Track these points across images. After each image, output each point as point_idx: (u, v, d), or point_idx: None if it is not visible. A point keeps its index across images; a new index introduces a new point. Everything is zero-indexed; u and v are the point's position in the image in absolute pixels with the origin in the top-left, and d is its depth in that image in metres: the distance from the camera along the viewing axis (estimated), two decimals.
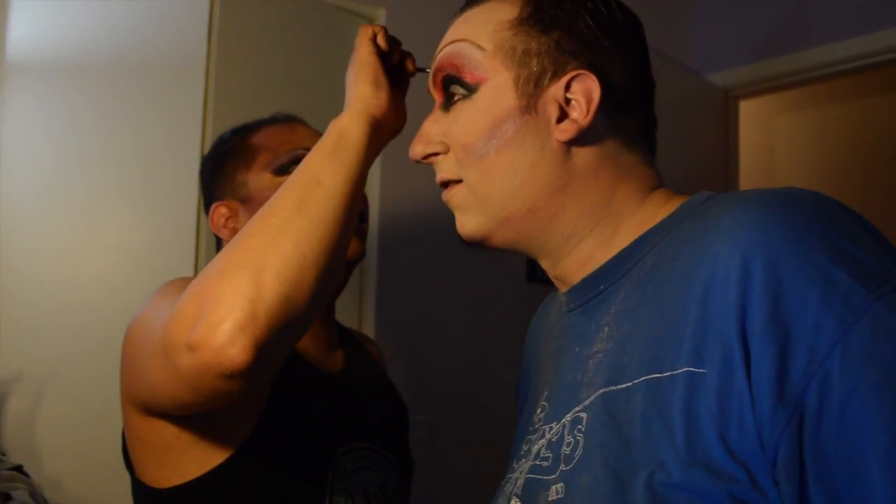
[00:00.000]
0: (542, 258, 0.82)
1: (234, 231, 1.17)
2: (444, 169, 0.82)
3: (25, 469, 1.24)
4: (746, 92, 3.04)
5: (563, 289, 0.84)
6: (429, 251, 2.27)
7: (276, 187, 0.97)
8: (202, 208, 1.80)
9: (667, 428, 0.62)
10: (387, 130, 0.91)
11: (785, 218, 0.62)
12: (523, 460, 0.81)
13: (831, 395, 0.57)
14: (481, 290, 2.39)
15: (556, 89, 0.76)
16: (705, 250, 0.65)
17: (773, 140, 4.05)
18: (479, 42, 0.78)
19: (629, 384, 0.67)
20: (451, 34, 0.82)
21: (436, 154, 0.82)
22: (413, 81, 0.98)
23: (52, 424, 1.62)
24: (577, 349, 0.79)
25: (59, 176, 1.70)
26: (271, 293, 0.74)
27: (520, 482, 0.78)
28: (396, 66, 0.95)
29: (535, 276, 2.47)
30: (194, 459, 1.00)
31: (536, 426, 0.82)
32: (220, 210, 1.20)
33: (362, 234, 1.20)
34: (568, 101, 0.76)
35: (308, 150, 0.98)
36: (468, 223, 0.81)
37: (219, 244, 1.23)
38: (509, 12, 0.78)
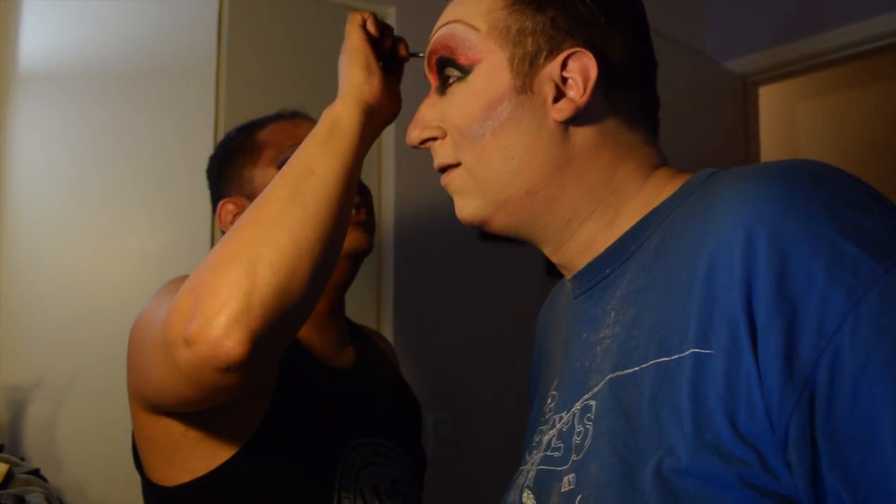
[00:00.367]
0: (544, 244, 0.81)
1: None
2: (442, 154, 0.80)
3: (43, 473, 1.24)
4: (765, 78, 2.99)
5: (567, 275, 0.82)
6: (446, 246, 2.26)
7: None
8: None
9: (675, 412, 0.60)
10: (381, 117, 0.90)
11: (788, 189, 0.60)
12: (535, 452, 0.79)
13: (842, 371, 0.55)
14: (500, 285, 2.38)
15: (551, 68, 0.74)
16: (708, 227, 0.64)
17: (793, 126, 4.00)
18: (473, 23, 0.77)
19: (636, 368, 0.66)
20: (445, 16, 0.81)
21: (433, 139, 0.81)
22: (410, 69, 0.97)
23: (72, 430, 1.63)
24: (584, 335, 0.78)
25: (74, 184, 1.71)
26: (266, 284, 0.74)
27: (532, 474, 0.77)
28: (389, 53, 0.94)
29: (554, 270, 2.44)
30: (202, 456, 0.99)
31: (547, 416, 0.81)
32: (227, 207, 1.20)
33: (370, 227, 1.19)
34: (564, 80, 0.74)
35: None
36: (466, 207, 0.80)
37: None
38: None
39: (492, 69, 0.75)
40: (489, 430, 2.30)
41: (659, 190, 0.76)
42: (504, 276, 2.38)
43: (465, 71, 0.77)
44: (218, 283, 0.74)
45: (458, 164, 0.79)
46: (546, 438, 0.77)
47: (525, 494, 0.76)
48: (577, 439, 0.70)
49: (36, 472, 1.21)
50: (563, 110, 0.73)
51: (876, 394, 0.54)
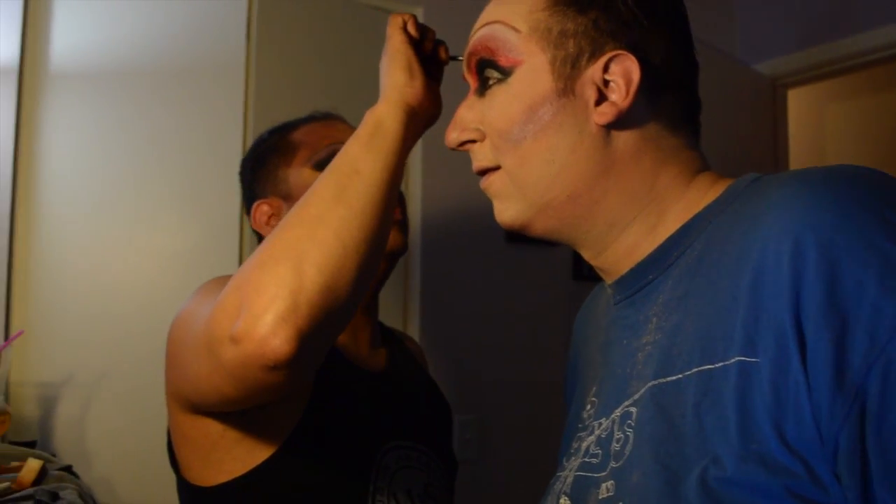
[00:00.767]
0: (584, 248, 0.80)
1: None
2: (481, 157, 0.80)
3: (75, 469, 1.25)
4: (794, 80, 2.97)
5: (608, 280, 0.81)
6: (473, 248, 2.26)
7: None
8: (244, 211, 1.82)
9: (720, 421, 0.60)
10: (422, 118, 0.90)
11: (837, 196, 0.59)
12: (573, 458, 0.79)
13: (895, 382, 0.54)
14: (527, 287, 2.37)
15: (593, 71, 0.73)
16: (755, 234, 0.63)
17: (822, 129, 3.96)
18: (514, 24, 0.76)
19: (680, 376, 0.65)
20: (484, 16, 0.80)
21: (472, 142, 0.80)
22: (447, 70, 0.96)
23: (102, 427, 1.65)
24: (625, 342, 0.77)
25: (104, 183, 1.73)
26: (312, 283, 0.74)
27: (569, 480, 0.76)
28: (430, 55, 0.94)
29: (581, 273, 2.45)
30: (238, 457, 1.00)
31: (586, 422, 0.80)
32: (262, 208, 1.20)
33: (405, 228, 1.19)
34: (606, 82, 0.73)
35: None
36: (506, 211, 0.79)
37: (260, 242, 1.23)
38: None
39: (533, 71, 0.74)
40: (514, 432, 2.29)
41: (702, 195, 0.75)
42: (530, 278, 2.37)
43: (505, 73, 0.76)
44: (264, 282, 0.74)
45: (497, 168, 0.79)
46: (585, 445, 0.77)
47: (562, 500, 0.76)
48: (616, 446, 0.70)
49: (68, 469, 1.22)
50: (605, 114, 0.73)
51: None
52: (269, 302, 0.73)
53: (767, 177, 0.69)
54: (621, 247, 0.77)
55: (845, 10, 2.73)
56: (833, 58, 2.78)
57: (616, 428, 0.71)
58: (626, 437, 0.69)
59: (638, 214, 0.76)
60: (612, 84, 0.73)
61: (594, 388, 0.82)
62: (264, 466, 1.00)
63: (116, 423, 1.66)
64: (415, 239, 2.16)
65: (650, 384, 0.68)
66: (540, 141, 0.74)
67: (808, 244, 0.58)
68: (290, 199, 1.17)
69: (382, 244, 0.81)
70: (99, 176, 1.72)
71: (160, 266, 1.77)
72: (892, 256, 0.56)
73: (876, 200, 0.59)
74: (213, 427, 0.98)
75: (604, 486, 0.69)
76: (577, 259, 2.42)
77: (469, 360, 2.24)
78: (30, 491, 1.05)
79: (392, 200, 0.82)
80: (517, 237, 2.13)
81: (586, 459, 0.75)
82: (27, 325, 1.60)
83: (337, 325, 0.79)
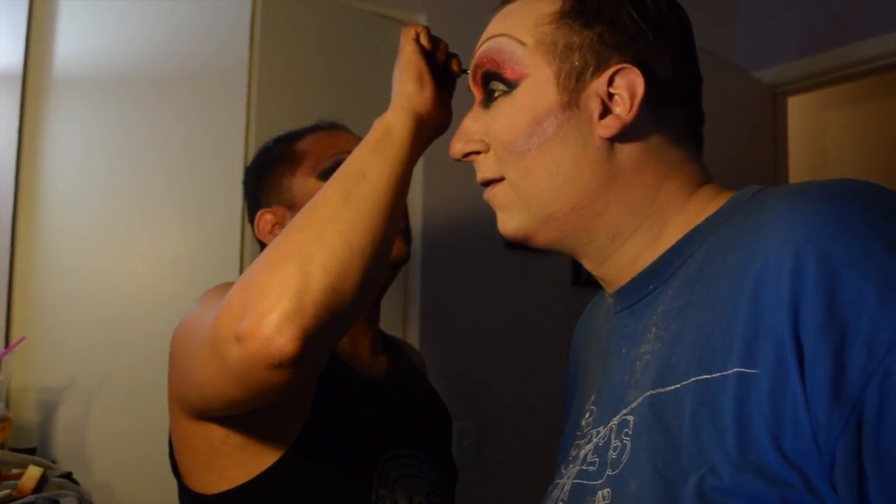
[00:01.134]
0: (586, 259, 0.80)
1: None
2: (485, 168, 0.80)
3: (75, 476, 1.25)
4: (794, 88, 2.97)
5: (609, 290, 0.82)
6: (472, 254, 2.26)
7: None
8: (245, 217, 1.82)
9: (717, 431, 0.60)
10: (431, 127, 0.91)
11: (837, 210, 0.59)
12: (571, 465, 0.79)
13: (892, 395, 0.54)
14: (526, 294, 2.37)
15: (598, 84, 0.74)
16: (755, 246, 0.63)
17: (822, 136, 3.97)
18: (520, 37, 0.77)
19: (677, 386, 0.65)
20: (490, 29, 0.80)
21: (476, 153, 0.81)
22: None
23: (102, 432, 1.65)
24: (623, 350, 0.77)
25: (106, 187, 1.73)
26: (318, 284, 0.74)
27: (567, 487, 0.77)
28: (443, 67, 0.95)
29: (580, 279, 2.45)
30: (241, 464, 1.00)
31: (584, 430, 0.81)
32: (266, 217, 1.20)
33: (408, 236, 1.19)
34: (611, 96, 0.74)
35: None
36: (510, 222, 0.80)
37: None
38: (551, 5, 0.76)
39: (538, 84, 0.75)
40: (512, 438, 2.30)
41: (703, 207, 0.75)
42: (529, 285, 2.38)
43: (511, 85, 0.77)
44: (270, 282, 0.74)
45: (501, 179, 0.79)
46: (583, 453, 0.77)
47: None
48: (612, 454, 0.70)
49: (68, 476, 1.22)
50: (609, 127, 0.73)
51: None
52: (274, 301, 0.73)
53: (769, 189, 0.70)
54: (623, 258, 0.78)
55: (846, 19, 2.74)
56: (833, 66, 2.79)
57: (613, 436, 0.72)
58: (624, 445, 0.69)
59: (640, 226, 0.76)
60: (616, 97, 0.74)
61: (593, 397, 0.83)
62: (267, 474, 1.00)
63: (116, 428, 1.66)
64: (415, 246, 2.16)
65: (648, 393, 0.69)
66: (544, 153, 0.75)
67: (808, 257, 0.58)
68: (294, 208, 1.17)
69: (388, 248, 0.82)
70: (101, 181, 1.72)
71: (161, 272, 1.78)
72: (891, 270, 0.56)
73: (876, 214, 0.59)
74: (216, 434, 0.98)
75: (600, 493, 0.70)
76: (576, 265, 2.43)
77: (468, 366, 2.24)
78: (31, 498, 1.05)
79: (399, 206, 0.83)
80: (516, 244, 2.15)
81: (583, 467, 0.75)
82: (28, 330, 1.60)
83: (341, 326, 0.79)
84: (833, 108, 3.94)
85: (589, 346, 0.92)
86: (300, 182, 1.18)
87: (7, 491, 1.07)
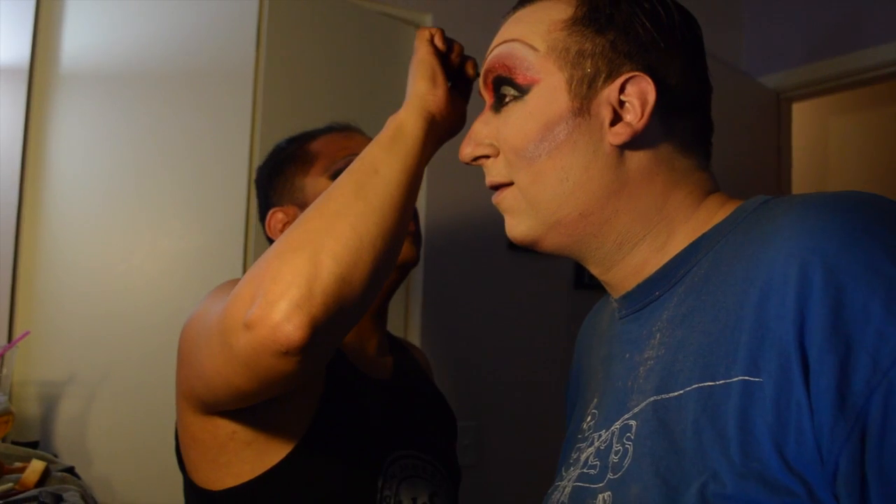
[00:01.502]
0: (593, 264, 0.81)
1: None
2: (494, 172, 0.81)
3: (77, 471, 1.26)
4: (799, 94, 2.98)
5: (614, 295, 0.82)
6: (475, 256, 2.26)
7: None
8: (250, 215, 1.82)
9: (720, 437, 0.61)
10: (443, 127, 0.91)
11: (844, 222, 0.60)
12: (572, 468, 0.80)
13: (895, 407, 0.54)
14: (528, 296, 2.38)
15: (609, 91, 0.74)
16: (762, 256, 0.63)
17: (826, 142, 3.97)
18: (532, 42, 0.77)
19: (681, 392, 0.66)
20: (502, 34, 0.81)
21: (486, 157, 0.81)
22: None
23: (103, 426, 1.65)
24: (627, 355, 0.78)
25: (110, 184, 1.73)
26: (328, 272, 0.75)
27: (567, 490, 0.77)
28: (458, 71, 0.96)
29: (581, 282, 2.46)
30: (247, 461, 1.00)
31: (586, 434, 0.81)
32: (278, 216, 1.21)
33: (418, 240, 1.20)
34: (622, 103, 0.74)
35: None
36: (518, 226, 0.80)
37: None
38: (563, 12, 0.76)
39: (550, 90, 0.75)
40: (513, 438, 2.30)
41: (710, 215, 0.76)
42: (531, 287, 2.38)
43: (522, 91, 0.77)
44: (281, 270, 0.75)
45: (510, 184, 0.80)
46: (584, 456, 0.78)
47: None
48: (614, 458, 0.71)
49: (70, 470, 1.22)
50: (619, 134, 0.73)
51: None
52: (284, 289, 0.74)
53: (776, 199, 0.70)
54: (630, 264, 0.78)
55: (851, 26, 2.74)
56: (838, 73, 2.79)
57: (615, 440, 0.72)
58: (625, 449, 0.70)
59: (647, 233, 0.76)
60: (627, 105, 0.74)
61: (595, 400, 0.83)
62: (272, 472, 1.00)
63: (117, 423, 1.66)
64: None
65: (652, 399, 0.69)
66: (554, 159, 0.75)
67: (814, 268, 0.58)
68: (305, 207, 1.18)
69: (398, 243, 0.83)
70: (105, 177, 1.73)
71: (165, 268, 1.78)
72: None
73: (882, 227, 0.60)
74: (223, 429, 0.98)
75: (601, 497, 0.70)
76: (578, 268, 2.43)
77: (469, 366, 2.24)
78: (34, 492, 1.05)
79: (409, 203, 0.84)
80: (519, 246, 2.16)
81: (584, 470, 0.75)
82: (31, 324, 1.60)
83: (349, 317, 0.80)
84: (837, 114, 3.94)
85: (592, 350, 0.92)
86: (312, 182, 1.19)
87: (10, 484, 1.07)
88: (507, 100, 0.78)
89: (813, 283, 0.58)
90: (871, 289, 0.57)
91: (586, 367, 0.93)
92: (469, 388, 2.22)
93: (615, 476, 0.69)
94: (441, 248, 2.22)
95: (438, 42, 0.93)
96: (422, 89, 0.89)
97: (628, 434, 0.70)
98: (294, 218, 1.19)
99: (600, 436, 0.76)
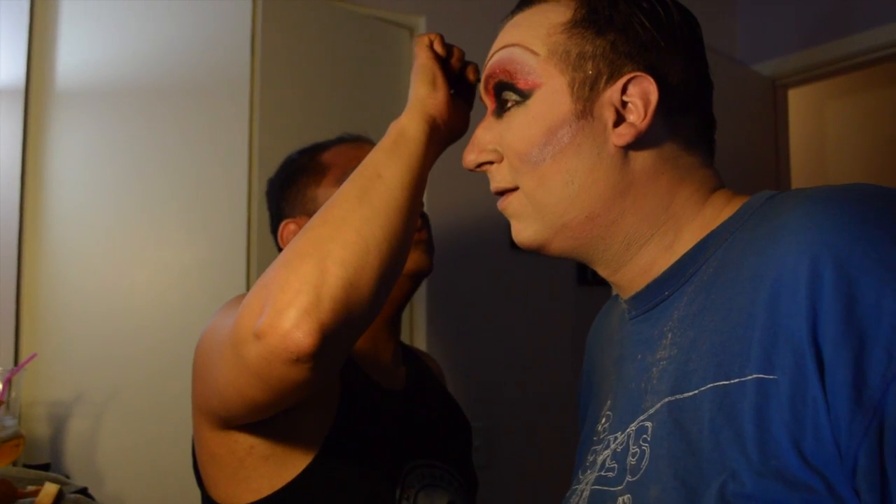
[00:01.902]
0: (601, 266, 0.81)
1: None
2: (499, 178, 0.81)
3: (90, 491, 1.25)
4: (795, 80, 2.98)
5: (623, 296, 0.82)
6: (477, 255, 2.26)
7: None
8: (251, 224, 1.82)
9: (737, 436, 0.60)
10: (446, 131, 0.92)
11: (853, 216, 0.60)
12: (589, 471, 0.79)
13: None
14: (531, 293, 2.38)
15: (612, 92, 0.74)
16: (771, 252, 0.63)
17: (822, 126, 3.97)
18: (532, 46, 0.77)
19: (696, 392, 0.66)
20: (501, 39, 0.80)
21: (489, 163, 0.81)
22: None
23: (114, 445, 1.65)
24: (639, 356, 0.77)
25: (111, 199, 1.73)
26: (335, 278, 0.75)
27: (585, 493, 0.77)
28: (460, 76, 0.96)
29: (585, 278, 2.46)
30: (265, 476, 1.00)
31: (601, 436, 0.81)
32: (290, 227, 1.22)
33: (430, 248, 1.20)
34: (624, 104, 0.74)
35: None
36: (524, 231, 0.80)
37: None
38: (562, 14, 0.76)
39: (552, 94, 0.75)
40: (521, 437, 2.30)
41: (717, 213, 0.75)
42: (535, 285, 2.38)
43: (524, 95, 0.77)
44: (288, 279, 0.76)
45: (515, 189, 0.79)
46: (601, 459, 0.77)
47: None
48: (632, 460, 0.71)
49: (84, 491, 1.21)
50: (623, 135, 0.73)
51: None
52: (292, 297, 0.74)
53: (782, 194, 0.70)
54: (638, 265, 0.78)
55: (845, 10, 2.74)
56: (833, 58, 2.79)
57: (632, 442, 0.72)
58: (642, 451, 0.69)
59: (655, 233, 0.76)
60: (630, 105, 0.74)
61: (609, 402, 0.83)
62: (291, 486, 1.01)
63: (129, 440, 1.66)
64: None
65: (666, 400, 0.69)
66: (559, 163, 0.75)
67: (825, 263, 0.58)
68: None
69: (405, 247, 0.83)
70: (105, 194, 1.72)
71: (168, 282, 1.78)
72: None
73: (891, 219, 0.60)
74: (241, 444, 0.98)
75: (620, 499, 0.70)
76: (581, 264, 2.43)
77: (475, 367, 2.24)
78: None
79: (414, 206, 0.84)
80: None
81: (602, 473, 0.75)
82: (37, 344, 1.60)
83: (359, 323, 0.80)
84: (833, 97, 3.94)
85: (603, 351, 0.92)
86: (324, 193, 1.19)
87: None
88: (508, 105, 0.78)
89: (824, 279, 0.58)
90: (882, 282, 0.56)
91: (598, 368, 0.93)
92: (476, 389, 2.22)
93: (634, 478, 0.69)
94: (443, 252, 2.21)
95: (438, 47, 0.94)
96: (422, 93, 0.90)
97: (645, 436, 0.70)
98: None
99: (616, 438, 0.76)
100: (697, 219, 0.76)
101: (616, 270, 0.80)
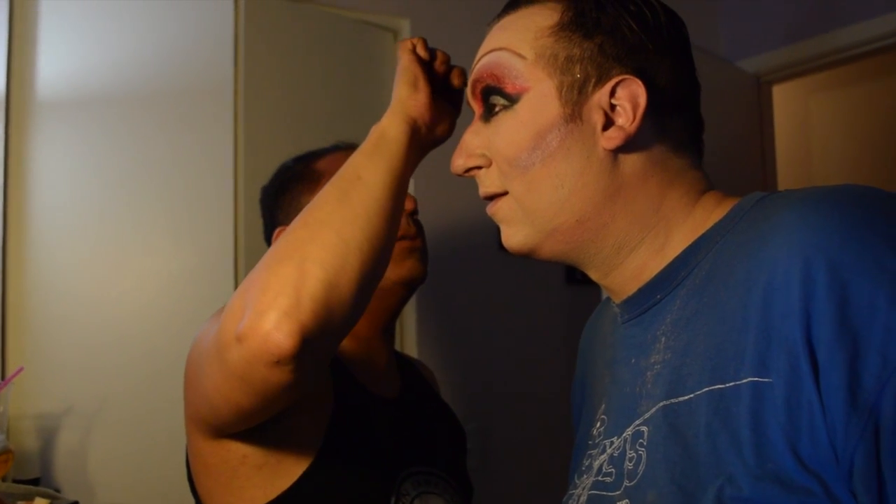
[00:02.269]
0: (592, 269, 0.80)
1: None
2: (488, 183, 0.80)
3: None
4: (779, 76, 2.99)
5: (615, 299, 0.82)
6: (465, 256, 2.26)
7: None
8: (238, 230, 1.81)
9: (734, 440, 0.60)
10: (428, 134, 0.92)
11: (844, 217, 0.60)
12: (585, 476, 0.79)
13: None
14: (520, 293, 2.38)
15: (600, 96, 0.73)
16: (763, 255, 0.63)
17: (807, 121, 3.99)
18: (520, 50, 0.76)
19: (691, 396, 0.66)
20: (488, 43, 0.80)
21: (478, 167, 0.81)
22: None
23: (104, 457, 1.63)
24: (633, 360, 0.77)
25: (96, 209, 1.71)
26: (314, 279, 0.75)
27: (583, 498, 0.77)
28: (444, 79, 0.96)
29: (573, 277, 2.46)
30: (259, 485, 1.00)
31: (596, 440, 0.81)
32: None
33: (424, 256, 1.20)
34: (613, 107, 0.73)
35: None
36: (514, 236, 0.80)
37: None
38: (549, 18, 0.76)
39: (540, 98, 0.75)
40: (513, 438, 2.30)
41: (707, 215, 0.75)
42: (524, 285, 2.38)
43: (512, 100, 0.76)
44: (268, 281, 0.75)
45: (505, 193, 0.79)
46: (597, 463, 0.77)
47: None
48: (629, 465, 0.70)
49: None
50: (612, 138, 0.73)
51: None
52: (272, 299, 0.74)
53: (772, 196, 0.70)
54: (629, 268, 0.77)
55: (828, 6, 2.75)
56: (817, 53, 2.80)
57: (628, 447, 0.72)
58: (639, 456, 0.69)
59: (645, 236, 0.76)
60: (618, 108, 0.73)
61: (603, 406, 0.83)
62: (285, 495, 1.00)
63: (119, 452, 1.65)
64: None
65: (662, 404, 0.69)
66: (548, 167, 0.74)
67: (818, 265, 0.58)
68: None
69: (387, 248, 0.83)
70: (90, 203, 1.71)
71: (154, 290, 1.76)
72: None
73: (882, 221, 0.60)
74: (233, 453, 0.98)
75: None
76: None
77: (466, 369, 2.24)
78: None
79: (396, 208, 0.84)
80: None
81: (599, 478, 0.75)
82: (23, 357, 1.58)
83: (340, 324, 0.79)
84: (817, 92, 3.96)
85: (596, 355, 0.92)
86: None
87: None
88: (496, 109, 0.78)
89: (817, 281, 0.58)
90: (876, 284, 0.56)
91: (591, 371, 0.93)
92: (468, 391, 2.22)
93: (631, 483, 0.69)
94: (431, 252, 2.21)
95: (420, 51, 0.93)
96: (403, 95, 0.89)
97: (641, 440, 0.70)
98: None
99: (612, 442, 0.75)
100: (688, 221, 0.76)
101: (607, 274, 0.79)
